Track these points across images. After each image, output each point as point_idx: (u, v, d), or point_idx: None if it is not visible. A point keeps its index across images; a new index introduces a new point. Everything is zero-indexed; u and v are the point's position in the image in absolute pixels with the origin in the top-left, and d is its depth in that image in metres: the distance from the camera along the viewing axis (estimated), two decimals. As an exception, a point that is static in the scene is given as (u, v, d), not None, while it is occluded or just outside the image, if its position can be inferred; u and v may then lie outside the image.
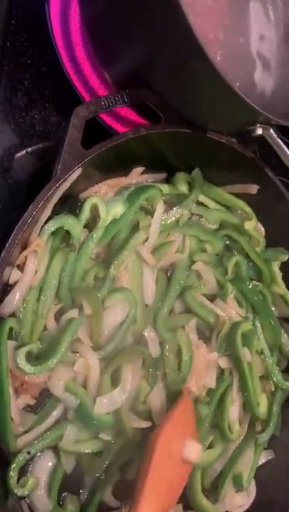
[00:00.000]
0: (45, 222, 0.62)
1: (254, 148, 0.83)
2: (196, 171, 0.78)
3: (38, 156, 0.67)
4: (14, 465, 0.58)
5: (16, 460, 0.58)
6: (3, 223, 0.62)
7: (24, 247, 0.60)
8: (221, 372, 0.81)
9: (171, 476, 0.63)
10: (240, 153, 0.77)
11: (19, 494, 0.57)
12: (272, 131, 0.65)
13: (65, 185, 0.59)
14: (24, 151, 0.67)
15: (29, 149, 0.68)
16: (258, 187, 0.83)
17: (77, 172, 0.58)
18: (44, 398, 0.64)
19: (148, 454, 0.61)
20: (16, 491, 0.57)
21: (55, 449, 0.64)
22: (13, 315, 0.61)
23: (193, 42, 0.52)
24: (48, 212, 0.60)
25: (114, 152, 0.64)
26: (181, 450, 0.64)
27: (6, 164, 0.64)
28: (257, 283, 0.87)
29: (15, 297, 0.60)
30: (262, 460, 0.85)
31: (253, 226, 0.85)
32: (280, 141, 0.65)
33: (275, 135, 0.66)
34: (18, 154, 0.67)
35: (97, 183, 0.69)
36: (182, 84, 0.63)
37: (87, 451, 0.64)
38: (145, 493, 0.58)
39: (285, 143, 0.67)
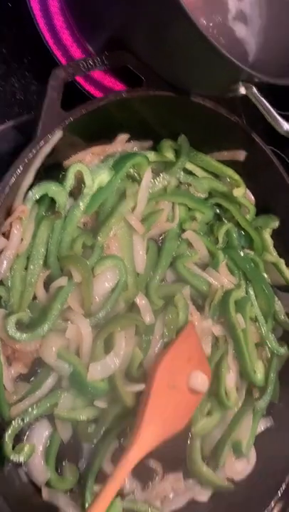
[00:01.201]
0: (29, 191, 0.61)
1: (240, 112, 0.82)
2: (182, 138, 0.77)
3: (20, 129, 0.66)
4: (9, 432, 0.57)
5: (10, 427, 0.58)
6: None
7: (9, 214, 0.60)
8: (216, 340, 0.80)
9: (177, 404, 0.66)
10: (225, 118, 0.76)
11: (15, 460, 0.57)
12: (255, 89, 0.65)
13: (47, 148, 0.58)
14: (6, 125, 0.66)
15: (11, 123, 0.67)
16: (246, 153, 0.82)
17: (58, 134, 0.57)
18: (37, 367, 0.64)
19: (148, 384, 0.64)
20: (11, 456, 0.56)
21: (51, 418, 0.64)
22: (1, 283, 0.60)
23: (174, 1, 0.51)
24: (30, 177, 0.59)
25: (96, 117, 0.63)
26: (186, 380, 0.68)
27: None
28: (248, 251, 0.87)
29: (2, 265, 0.59)
30: (261, 428, 0.85)
31: (243, 193, 0.85)
32: (263, 99, 0.65)
33: (258, 93, 0.65)
34: (1, 127, 0.66)
35: (80, 152, 0.69)
36: (163, 45, 0.62)
37: (83, 419, 0.63)
38: (146, 417, 0.61)
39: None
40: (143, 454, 0.62)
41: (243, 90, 0.65)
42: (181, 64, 0.63)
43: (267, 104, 0.65)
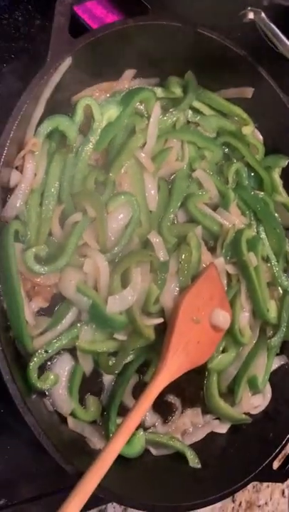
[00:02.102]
0: (39, 125, 0.61)
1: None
2: (189, 73, 0.76)
3: (26, 63, 0.65)
4: (33, 362, 0.58)
5: (34, 357, 0.59)
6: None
7: (21, 149, 0.59)
8: (229, 279, 0.81)
9: (201, 338, 0.69)
10: (232, 52, 0.75)
11: (40, 387, 0.58)
12: (263, 14, 0.63)
13: (57, 77, 0.57)
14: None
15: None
16: (253, 89, 0.81)
17: (67, 61, 0.56)
18: (57, 302, 0.64)
19: (172, 319, 0.66)
20: (37, 384, 0.58)
21: (73, 352, 0.65)
22: (17, 219, 0.60)
23: None
24: (41, 108, 0.58)
25: (103, 49, 0.62)
26: (209, 317, 0.71)
27: (-7, 69, 0.63)
28: (259, 192, 0.87)
29: (17, 200, 0.59)
30: (275, 365, 0.86)
31: (251, 131, 0.84)
32: (272, 24, 0.63)
33: (266, 18, 0.63)
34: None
35: (88, 87, 0.68)
36: None
37: (103, 350, 0.64)
38: (172, 346, 0.63)
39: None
40: (168, 381, 0.63)
41: (251, 15, 0.63)
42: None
43: (276, 28, 0.64)
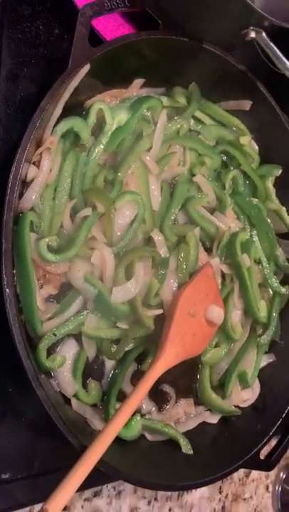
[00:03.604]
0: (56, 125, 0.66)
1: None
2: (193, 85, 0.82)
3: (44, 68, 0.70)
4: (43, 343, 0.62)
5: (44, 339, 0.63)
6: (14, 128, 0.66)
7: (38, 146, 0.64)
8: (223, 279, 0.86)
9: (196, 331, 0.74)
10: (233, 67, 0.81)
11: (49, 366, 0.62)
12: (264, 34, 0.69)
13: (75, 82, 0.62)
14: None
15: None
16: (251, 102, 0.87)
17: (86, 68, 0.62)
18: (65, 290, 0.68)
19: (171, 311, 0.71)
20: (46, 364, 0.62)
21: (78, 338, 0.69)
22: (32, 210, 0.65)
23: None
24: (59, 108, 0.63)
25: (116, 57, 0.67)
26: (204, 313, 0.76)
27: (14, 72, 0.67)
28: (253, 198, 0.92)
29: (33, 193, 0.63)
30: (264, 362, 0.91)
31: (248, 141, 0.90)
32: (272, 44, 0.69)
33: (267, 38, 0.70)
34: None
35: (100, 93, 0.73)
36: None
37: (106, 337, 0.69)
38: (170, 336, 0.68)
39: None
40: (166, 369, 0.68)
41: (252, 34, 0.69)
42: (195, 6, 0.68)
43: (275, 48, 0.70)
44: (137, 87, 0.77)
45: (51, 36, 0.71)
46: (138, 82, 0.77)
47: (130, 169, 0.74)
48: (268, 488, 1.07)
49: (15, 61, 0.67)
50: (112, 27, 0.78)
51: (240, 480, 1.01)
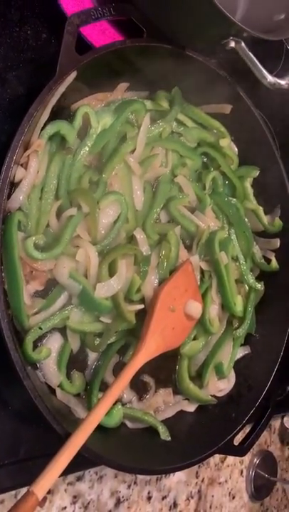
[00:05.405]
0: (43, 129, 0.68)
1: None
2: (176, 89, 0.85)
3: (31, 71, 0.72)
4: (29, 336, 0.66)
5: (30, 333, 0.66)
6: (2, 130, 0.69)
7: (26, 148, 0.67)
8: (202, 275, 0.90)
9: (176, 325, 0.78)
10: (214, 72, 0.84)
11: (35, 358, 0.66)
12: (243, 44, 0.73)
13: (62, 88, 0.65)
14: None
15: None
16: (231, 106, 0.91)
17: (73, 75, 0.65)
18: (51, 286, 0.72)
19: (152, 306, 0.75)
20: (33, 356, 0.65)
21: (63, 332, 0.73)
22: (20, 210, 0.68)
23: None
24: (46, 114, 0.66)
25: (101, 65, 0.70)
26: (183, 307, 0.80)
27: (3, 75, 0.70)
28: (232, 198, 0.96)
29: (21, 193, 0.66)
30: (240, 354, 0.96)
31: (228, 144, 0.94)
32: (250, 53, 0.73)
33: (246, 48, 0.73)
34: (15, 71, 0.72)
35: (86, 97, 0.76)
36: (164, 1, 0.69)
37: (90, 331, 0.73)
38: (151, 329, 0.72)
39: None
40: (146, 360, 0.72)
41: (232, 44, 0.73)
42: (178, 16, 0.71)
43: (253, 57, 0.73)
44: (121, 91, 0.80)
45: (39, 40, 0.73)
46: (123, 85, 0.80)
47: (114, 170, 0.77)
48: (242, 472, 1.13)
49: (3, 65, 0.69)
50: (99, 32, 0.81)
51: (216, 465, 1.06)
